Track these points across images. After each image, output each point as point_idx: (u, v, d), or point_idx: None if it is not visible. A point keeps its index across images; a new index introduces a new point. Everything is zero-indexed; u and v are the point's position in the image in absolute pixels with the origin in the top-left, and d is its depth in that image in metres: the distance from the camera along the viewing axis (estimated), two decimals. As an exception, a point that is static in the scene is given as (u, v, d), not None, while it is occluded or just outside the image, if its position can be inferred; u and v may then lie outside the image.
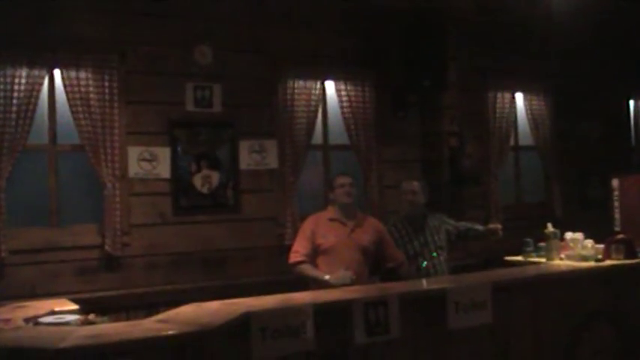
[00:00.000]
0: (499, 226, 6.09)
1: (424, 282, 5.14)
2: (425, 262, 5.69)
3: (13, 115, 5.86)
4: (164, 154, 6.47)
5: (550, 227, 6.09)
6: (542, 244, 6.17)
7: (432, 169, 7.61)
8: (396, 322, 4.35)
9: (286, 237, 6.68)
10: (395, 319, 4.35)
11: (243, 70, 6.81)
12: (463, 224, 6.15)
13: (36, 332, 3.91)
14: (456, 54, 7.49)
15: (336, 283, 5.14)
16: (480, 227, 6.17)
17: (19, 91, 5.90)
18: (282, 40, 6.99)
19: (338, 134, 7.41)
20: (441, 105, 7.62)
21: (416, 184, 5.99)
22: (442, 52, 7.33)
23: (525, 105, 8.65)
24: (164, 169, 6.47)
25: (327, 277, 5.23)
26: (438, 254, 5.85)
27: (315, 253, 5.47)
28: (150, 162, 6.41)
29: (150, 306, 5.53)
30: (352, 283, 5.15)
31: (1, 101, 5.83)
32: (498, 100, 8.33)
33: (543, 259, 6.08)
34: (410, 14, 7.23)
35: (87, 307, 4.69)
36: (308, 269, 5.41)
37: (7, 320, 4.14)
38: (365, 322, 4.27)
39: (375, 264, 5.63)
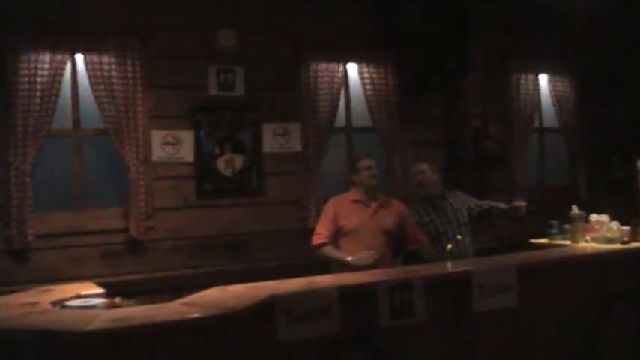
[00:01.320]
0: (523, 203, 6.03)
1: (449, 264, 5.10)
2: (450, 245, 5.65)
3: (37, 100, 5.90)
4: (187, 137, 6.48)
5: (575, 209, 6.05)
6: (567, 226, 6.13)
7: (454, 151, 7.57)
8: (421, 305, 4.35)
9: (310, 220, 6.67)
10: (420, 302, 4.35)
11: (266, 53, 6.81)
12: (486, 202, 6.10)
13: (64, 315, 3.94)
14: (478, 35, 7.41)
15: (359, 263, 5.13)
16: (503, 205, 6.12)
17: (42, 76, 5.94)
18: (304, 22, 6.96)
19: (361, 117, 7.38)
20: (464, 87, 7.56)
21: (424, 165, 5.94)
22: (464, 33, 7.26)
23: (549, 86, 8.55)
24: (187, 153, 6.48)
25: (349, 257, 5.21)
26: (461, 234, 5.82)
27: (337, 235, 5.45)
28: (173, 146, 6.42)
29: (174, 289, 5.54)
30: (375, 263, 5.14)
31: (26, 86, 5.87)
32: (522, 82, 8.24)
33: (568, 242, 6.04)
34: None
35: (112, 290, 4.72)
36: (330, 251, 5.40)
37: (34, 304, 4.18)
38: (390, 305, 4.27)
39: (398, 246, 5.62)
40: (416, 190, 5.99)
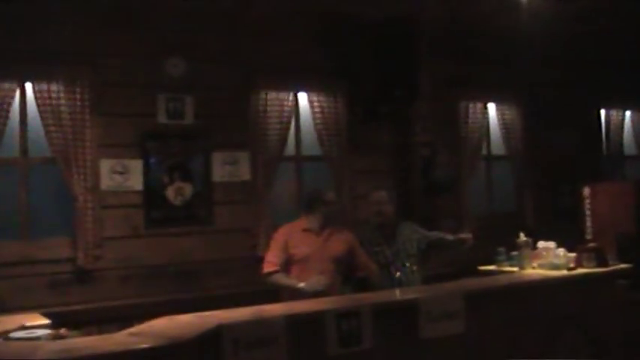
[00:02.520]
0: (470, 235, 6.12)
1: (397, 292, 5.15)
2: (398, 272, 5.71)
3: (-16, 129, 5.83)
4: (136, 166, 6.45)
5: (522, 236, 6.15)
6: (514, 253, 6.22)
7: (404, 179, 7.65)
8: (369, 333, 4.37)
9: (259, 248, 6.66)
10: (368, 330, 4.37)
11: (216, 81, 6.82)
12: (434, 233, 6.18)
13: (5, 347, 3.87)
14: (427, 64, 7.53)
15: (311, 290, 5.17)
16: (450, 237, 6.20)
17: (-10, 104, 5.87)
18: (254, 51, 6.99)
19: (310, 145, 7.43)
20: (413, 115, 7.66)
21: (384, 194, 6.01)
22: (413, 62, 7.36)
23: (497, 114, 8.71)
24: (136, 182, 6.45)
25: (301, 284, 5.25)
26: (410, 263, 5.87)
27: (288, 263, 5.47)
28: (122, 174, 6.39)
29: (123, 319, 5.46)
30: (326, 289, 5.18)
31: (-27, 115, 5.80)
32: (470, 110, 8.38)
33: (516, 268, 6.13)
34: (381, 24, 7.26)
35: (59, 321, 4.65)
36: (282, 278, 5.42)
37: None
38: (338, 333, 4.29)
39: (347, 273, 5.65)
40: (371, 218, 6.03)
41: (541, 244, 6.17)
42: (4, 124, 5.95)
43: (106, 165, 6.33)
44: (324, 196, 5.69)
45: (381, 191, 6.05)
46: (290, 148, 7.29)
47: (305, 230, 5.57)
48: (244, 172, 6.92)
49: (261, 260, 5.68)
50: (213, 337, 3.88)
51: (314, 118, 7.34)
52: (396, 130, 7.77)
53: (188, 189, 6.65)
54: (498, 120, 8.72)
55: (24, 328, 4.36)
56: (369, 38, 7.40)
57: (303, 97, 7.38)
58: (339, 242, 5.59)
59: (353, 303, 4.60)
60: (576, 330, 5.49)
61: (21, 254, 6.02)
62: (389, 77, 7.36)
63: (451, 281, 5.62)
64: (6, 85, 5.98)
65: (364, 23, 7.29)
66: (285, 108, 7.15)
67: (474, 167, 8.38)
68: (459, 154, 8.25)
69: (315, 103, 7.34)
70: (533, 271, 5.99)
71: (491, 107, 8.69)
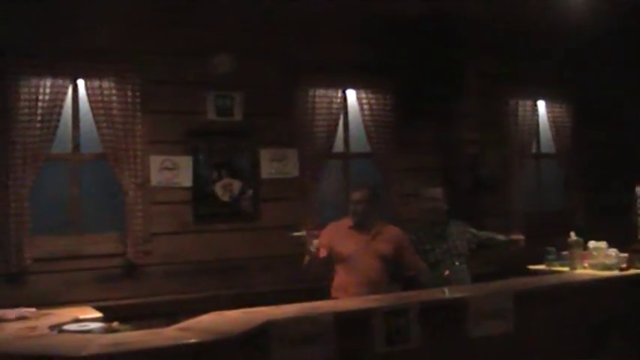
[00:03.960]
0: (521, 236, 6.07)
1: (445, 290, 5.12)
2: (447, 271, 5.68)
3: (37, 125, 5.92)
4: (185, 162, 6.51)
5: (573, 236, 6.08)
6: (565, 252, 6.15)
7: (451, 177, 7.59)
8: (417, 331, 4.36)
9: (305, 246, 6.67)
10: (415, 328, 4.36)
11: (264, 78, 6.84)
12: (485, 233, 6.15)
13: (60, 339, 3.95)
14: (475, 61, 7.48)
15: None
16: (501, 237, 6.17)
17: (43, 100, 5.96)
18: (303, 48, 7.01)
19: (359, 142, 7.42)
20: (460, 112, 7.61)
21: (438, 192, 5.98)
22: (461, 59, 7.32)
23: (547, 112, 8.60)
24: (185, 178, 6.50)
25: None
26: (459, 262, 5.84)
27: (334, 262, 5.48)
28: (171, 170, 6.45)
29: (170, 314, 5.53)
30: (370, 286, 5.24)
31: (26, 111, 5.89)
32: (520, 108, 8.29)
33: (566, 268, 6.07)
34: (428, 21, 7.23)
35: (108, 314, 4.73)
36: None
37: (33, 328, 4.20)
38: (385, 330, 4.29)
39: (395, 272, 5.63)
40: (423, 215, 6.00)
41: (592, 243, 6.10)
42: (57, 121, 6.04)
43: (155, 161, 6.40)
44: (350, 195, 5.70)
45: (436, 188, 6.02)
46: (338, 145, 7.28)
47: (351, 228, 5.57)
48: (292, 169, 6.94)
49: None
50: (261, 333, 3.91)
51: (362, 116, 7.33)
52: (443, 127, 7.72)
53: (236, 185, 6.69)
54: (548, 117, 8.61)
55: (77, 321, 4.45)
56: (416, 35, 7.37)
57: (351, 95, 7.37)
58: (386, 240, 5.57)
59: (401, 301, 4.59)
60: (624, 332, 5.40)
61: (72, 249, 6.10)
62: (436, 74, 7.31)
63: (500, 280, 5.57)
64: (59, 82, 6.06)
65: (411, 20, 7.25)
66: (334, 105, 7.16)
67: (522, 165, 8.29)
68: (507, 153, 8.17)
69: (364, 101, 7.33)
70: (584, 271, 5.92)
71: (541, 105, 8.58)
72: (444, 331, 4.59)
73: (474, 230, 6.10)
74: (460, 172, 7.58)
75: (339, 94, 7.24)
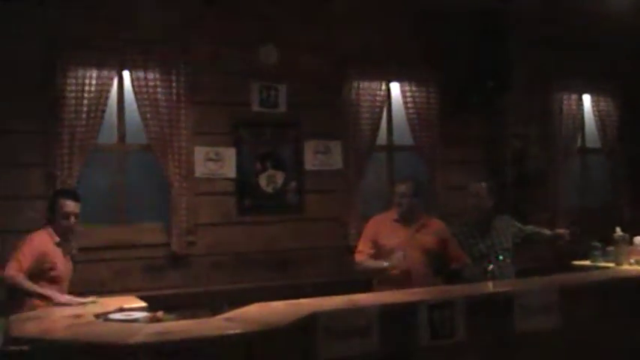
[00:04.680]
0: (567, 231, 6.00)
1: (490, 285, 5.08)
2: (491, 265, 5.62)
3: (84, 115, 5.99)
4: (230, 153, 6.54)
5: (618, 231, 5.99)
6: (610, 248, 6.06)
7: (495, 171, 7.53)
8: (462, 325, 4.33)
9: (350, 238, 6.69)
10: (461, 322, 4.33)
11: (309, 70, 6.84)
12: (530, 227, 6.07)
13: (106, 328, 3.99)
14: (521, 54, 7.39)
15: (393, 264, 5.26)
16: (547, 231, 6.09)
17: (89, 91, 6.02)
18: (347, 40, 6.99)
19: (402, 135, 7.38)
20: (505, 106, 7.53)
21: (483, 187, 5.91)
22: (507, 53, 7.24)
23: (593, 106, 8.48)
24: (229, 169, 6.53)
25: (385, 263, 5.30)
26: (504, 257, 5.78)
27: (378, 254, 5.46)
28: (216, 162, 6.48)
29: (214, 305, 5.55)
30: (405, 260, 5.25)
31: (73, 102, 5.96)
32: (565, 101, 8.18)
33: (612, 264, 5.98)
34: (474, 14, 7.16)
35: (153, 304, 4.76)
36: (367, 262, 5.46)
37: (79, 316, 4.24)
38: (430, 324, 4.26)
39: (439, 265, 5.59)
40: (468, 210, 5.95)
41: (638, 239, 6.01)
42: (103, 111, 6.10)
43: (200, 152, 6.43)
44: (394, 187, 5.68)
45: (481, 183, 5.96)
46: (382, 138, 7.26)
47: (396, 221, 5.54)
48: (336, 161, 6.93)
49: (350, 250, 5.71)
50: (307, 324, 3.91)
51: (406, 108, 7.29)
52: (488, 121, 7.66)
53: (280, 177, 6.70)
54: (593, 112, 8.48)
55: (122, 310, 4.48)
56: (462, 28, 7.31)
57: (395, 87, 7.33)
58: (430, 234, 5.54)
59: (446, 294, 4.56)
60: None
61: (117, 238, 6.17)
62: (481, 67, 7.26)
63: (545, 275, 5.50)
64: (105, 73, 6.11)
65: (456, 13, 7.20)
66: (378, 97, 7.13)
67: (567, 160, 8.18)
68: (552, 147, 8.07)
69: (408, 93, 7.29)
70: (630, 267, 5.83)
71: (586, 99, 8.46)
72: (489, 326, 4.53)
73: (519, 225, 6.03)
74: (505, 165, 7.51)
75: (384, 86, 7.20)
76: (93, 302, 4.76)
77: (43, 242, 4.93)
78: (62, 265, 5.01)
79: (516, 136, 7.66)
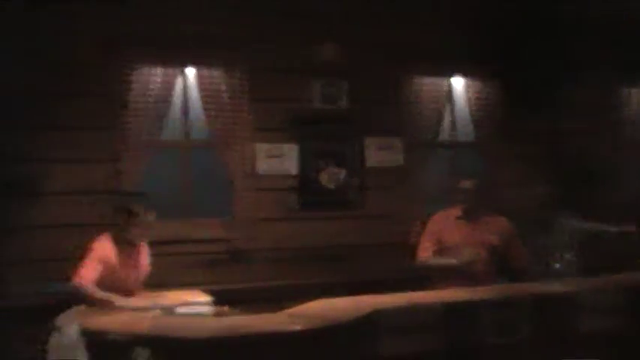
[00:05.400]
0: (633, 228, 5.88)
1: (554, 283, 5.02)
2: (555, 264, 5.56)
3: (149, 112, 6.08)
4: (291, 150, 6.58)
5: (689, 229, 5.86)
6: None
7: (558, 167, 7.41)
8: (526, 324, 4.29)
9: (411, 235, 6.64)
10: (524, 321, 4.30)
11: (370, 66, 6.82)
12: (595, 225, 5.98)
13: (172, 322, 4.06)
14: (586, 48, 7.27)
15: (463, 261, 5.22)
16: (613, 229, 5.99)
17: (153, 88, 6.11)
18: (408, 36, 6.94)
19: (465, 131, 7.33)
20: (569, 101, 7.41)
21: (543, 186, 5.86)
22: (571, 47, 7.13)
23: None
24: (291, 165, 6.57)
25: (452, 260, 5.27)
26: (567, 255, 5.71)
27: (441, 252, 5.44)
28: (277, 158, 6.52)
29: (275, 300, 5.60)
30: (477, 258, 5.21)
31: (138, 99, 6.05)
32: (633, 96, 8.02)
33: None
34: (538, 8, 7.06)
35: (217, 298, 4.81)
36: (433, 259, 5.45)
37: (145, 309, 4.32)
38: (494, 322, 4.24)
39: (502, 263, 5.55)
40: (530, 209, 5.89)
41: None
42: (168, 108, 6.19)
43: (262, 149, 6.48)
44: (458, 184, 5.64)
45: (543, 182, 5.90)
46: (444, 134, 7.23)
47: (458, 218, 5.52)
48: (397, 158, 6.91)
49: (412, 247, 5.68)
50: (369, 321, 3.92)
51: (468, 104, 7.24)
52: (550, 116, 7.53)
53: (341, 173, 6.72)
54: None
55: (187, 304, 4.54)
56: (524, 22, 7.21)
57: (457, 82, 7.28)
58: (494, 231, 5.49)
59: (510, 293, 4.53)
60: None
61: (181, 233, 6.24)
62: (543, 62, 7.15)
63: (611, 274, 5.41)
64: (169, 71, 6.20)
65: (520, 6, 7.10)
66: (439, 93, 7.09)
67: (632, 155, 8.01)
68: (617, 142, 7.92)
69: (470, 89, 7.24)
70: None
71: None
72: (552, 325, 4.48)
73: (583, 222, 5.95)
74: (569, 161, 7.39)
75: (445, 81, 7.16)
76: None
77: (105, 248, 4.91)
78: (126, 270, 5.00)
79: (580, 132, 7.53)
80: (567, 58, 7.15)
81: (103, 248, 4.88)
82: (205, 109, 6.31)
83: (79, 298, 4.72)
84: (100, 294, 4.65)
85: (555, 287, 4.92)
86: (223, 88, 6.32)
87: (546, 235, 5.74)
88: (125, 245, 4.97)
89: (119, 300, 4.65)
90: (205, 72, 6.31)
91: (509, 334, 4.28)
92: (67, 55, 5.92)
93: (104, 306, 4.61)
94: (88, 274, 4.69)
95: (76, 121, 5.96)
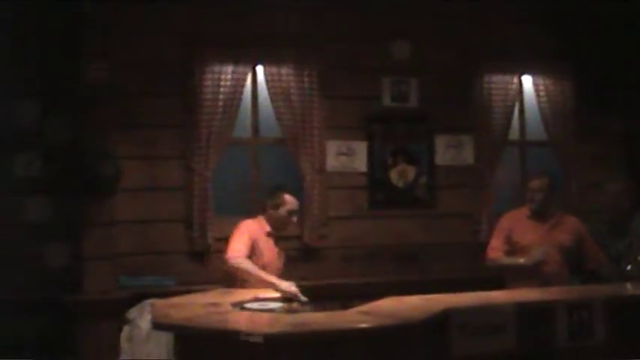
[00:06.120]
0: None
1: (629, 286, 4.91)
2: (630, 266, 5.44)
3: (220, 110, 6.17)
4: (361, 148, 6.59)
5: None
6: None
7: (634, 167, 7.24)
8: (601, 326, 4.21)
9: (482, 234, 6.59)
10: (599, 323, 4.21)
11: (440, 64, 6.80)
12: (672, 226, 5.82)
13: (245, 317, 4.09)
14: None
15: (531, 262, 5.15)
16: None
17: (225, 86, 6.20)
18: (478, 33, 6.89)
19: (535, 130, 7.22)
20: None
21: (620, 187, 5.73)
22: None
23: None
24: (361, 163, 6.58)
25: (521, 260, 5.21)
26: (642, 257, 5.58)
27: (512, 252, 5.38)
28: (347, 156, 6.54)
29: (345, 297, 5.59)
30: (546, 257, 5.15)
31: (209, 96, 6.15)
32: None
33: None
34: (611, 4, 6.92)
35: (287, 295, 4.84)
36: (502, 258, 5.38)
37: (216, 304, 4.36)
38: (568, 324, 4.17)
39: (575, 264, 5.45)
40: (604, 210, 5.78)
41: None
42: (238, 106, 6.27)
43: (332, 146, 6.51)
44: (528, 181, 5.57)
45: (618, 183, 5.78)
46: (514, 133, 7.14)
47: (529, 217, 5.44)
48: (468, 156, 6.86)
49: (482, 246, 5.63)
50: (442, 320, 3.89)
51: (539, 102, 7.12)
52: (628, 115, 7.36)
53: (411, 172, 6.70)
54: None
55: (258, 299, 4.57)
56: (598, 19, 7.08)
57: (527, 81, 7.17)
58: (566, 231, 5.40)
59: (584, 295, 4.44)
60: None
61: (251, 230, 6.29)
62: (619, 59, 7.02)
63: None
64: (240, 69, 6.27)
65: (593, 2, 6.97)
66: (510, 91, 7.01)
67: None
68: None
69: (541, 87, 7.12)
70: None
71: None
72: (628, 329, 4.38)
73: (660, 223, 5.80)
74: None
75: (516, 79, 7.07)
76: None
77: (253, 230, 5.11)
78: (271, 255, 5.18)
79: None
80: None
81: (251, 230, 5.09)
82: (275, 107, 6.37)
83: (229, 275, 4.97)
84: (260, 272, 4.86)
85: (631, 290, 4.80)
86: (293, 85, 6.36)
87: (622, 236, 5.61)
88: (270, 231, 5.17)
89: (280, 283, 4.80)
90: (275, 70, 6.36)
91: (585, 337, 4.20)
92: (142, 54, 6.06)
93: (259, 285, 4.80)
94: (243, 250, 4.92)
95: (150, 119, 6.08)
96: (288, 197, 5.18)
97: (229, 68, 6.22)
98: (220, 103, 6.18)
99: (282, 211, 5.16)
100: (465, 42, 6.89)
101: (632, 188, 5.78)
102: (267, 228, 5.19)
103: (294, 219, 5.27)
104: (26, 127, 5.80)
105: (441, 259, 6.67)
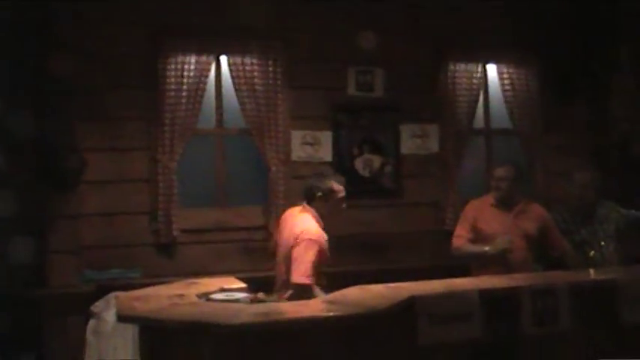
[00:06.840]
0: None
1: (592, 272, 4.95)
2: (593, 252, 5.49)
3: (183, 101, 6.11)
4: (326, 137, 6.57)
5: None
6: None
7: (601, 156, 7.30)
8: (566, 313, 4.23)
9: (447, 222, 6.62)
10: (565, 310, 4.24)
11: (405, 54, 6.77)
12: (634, 213, 5.88)
13: (210, 308, 4.06)
14: (629, 34, 7.13)
15: (496, 250, 5.19)
16: None
17: (188, 77, 6.13)
18: (443, 23, 6.88)
19: (501, 119, 7.24)
20: (613, 89, 7.28)
21: (587, 177, 5.77)
22: (613, 33, 7.00)
23: None
24: (326, 153, 6.56)
25: (486, 248, 5.24)
26: (606, 243, 5.63)
27: (476, 240, 5.40)
28: (312, 145, 6.52)
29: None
30: (511, 246, 5.18)
31: (173, 87, 6.09)
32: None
33: None
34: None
35: (253, 285, 4.82)
36: (467, 247, 5.41)
37: (181, 296, 4.33)
38: (533, 311, 4.18)
39: (539, 252, 5.49)
40: (570, 200, 5.83)
41: None
42: (202, 96, 6.21)
43: (297, 136, 6.48)
44: (493, 171, 5.60)
45: (585, 173, 5.82)
46: (479, 122, 7.15)
47: (494, 206, 5.46)
48: (433, 145, 6.86)
49: (448, 234, 5.65)
50: (406, 308, 3.89)
51: (504, 91, 7.15)
52: (592, 105, 7.41)
53: (377, 161, 6.70)
54: None
55: (223, 290, 4.55)
56: (564, 7, 7.11)
57: (492, 69, 7.19)
58: (530, 219, 5.44)
59: (549, 281, 4.46)
60: None
61: (217, 221, 6.28)
62: (585, 49, 7.05)
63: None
64: (203, 59, 6.22)
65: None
66: (474, 80, 7.02)
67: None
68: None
69: (505, 76, 7.14)
70: None
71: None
72: (592, 315, 4.40)
73: (623, 210, 5.86)
74: (611, 150, 7.27)
75: (480, 68, 7.08)
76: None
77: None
78: None
79: (623, 120, 7.40)
80: (613, 43, 7.02)
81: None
82: (239, 98, 6.32)
83: None
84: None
85: (594, 275, 4.84)
86: (257, 76, 6.32)
87: (585, 224, 5.65)
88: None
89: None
90: (239, 60, 6.30)
91: (550, 324, 4.22)
92: (106, 46, 5.99)
93: None
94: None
95: (114, 111, 6.02)
96: (339, 187, 5.06)
97: (192, 59, 6.16)
98: (184, 94, 6.11)
99: (337, 200, 5.06)
100: (430, 31, 6.87)
101: (597, 177, 5.81)
102: (319, 218, 5.04)
103: (345, 206, 5.16)
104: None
105: (407, 247, 6.67)
